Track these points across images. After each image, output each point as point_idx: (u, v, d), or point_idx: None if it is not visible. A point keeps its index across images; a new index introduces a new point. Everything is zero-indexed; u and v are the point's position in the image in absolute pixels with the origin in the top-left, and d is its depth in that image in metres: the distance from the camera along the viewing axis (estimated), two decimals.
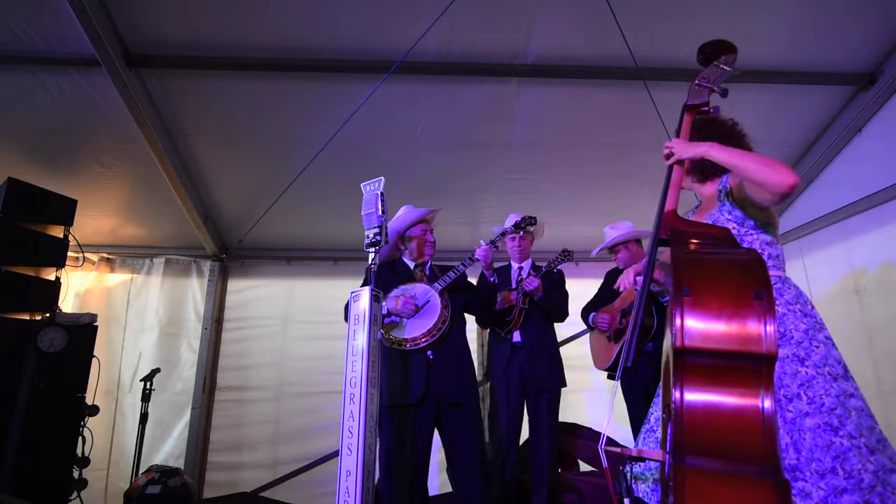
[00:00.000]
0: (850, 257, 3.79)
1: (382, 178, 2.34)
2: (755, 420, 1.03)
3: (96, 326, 3.54)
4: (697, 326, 1.09)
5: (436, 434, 2.67)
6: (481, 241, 2.86)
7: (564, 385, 3.21)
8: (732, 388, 1.07)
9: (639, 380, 3.07)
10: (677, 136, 1.66)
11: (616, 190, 4.26)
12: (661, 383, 1.60)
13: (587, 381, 4.42)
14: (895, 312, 3.42)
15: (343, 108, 3.43)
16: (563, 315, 3.36)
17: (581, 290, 3.56)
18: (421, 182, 4.15)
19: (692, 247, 1.33)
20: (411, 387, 2.57)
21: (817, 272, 4.09)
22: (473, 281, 3.01)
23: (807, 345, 1.51)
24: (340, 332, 2.40)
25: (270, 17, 3.11)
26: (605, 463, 1.22)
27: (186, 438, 4.41)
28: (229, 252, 4.84)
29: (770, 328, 1.05)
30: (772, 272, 1.62)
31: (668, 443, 1.12)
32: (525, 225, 3.10)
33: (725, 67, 1.59)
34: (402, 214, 2.97)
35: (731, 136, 1.74)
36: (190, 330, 4.70)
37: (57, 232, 3.57)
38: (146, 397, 3.91)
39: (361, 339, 2.09)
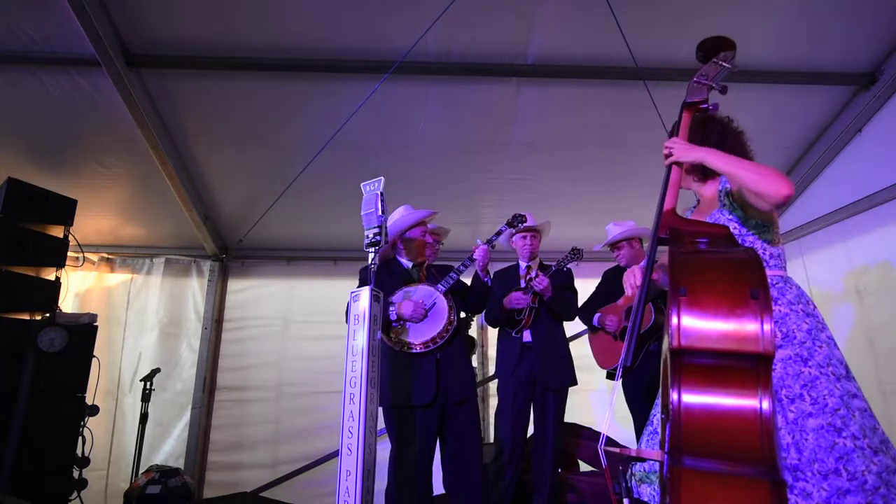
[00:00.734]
0: (850, 257, 3.79)
1: (382, 178, 2.34)
2: (753, 420, 1.03)
3: (96, 326, 3.54)
4: (694, 326, 1.09)
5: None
6: (478, 241, 2.87)
7: (575, 383, 3.19)
8: (730, 388, 1.06)
9: (643, 379, 3.05)
10: (675, 133, 1.65)
11: (616, 190, 4.26)
12: (661, 384, 1.60)
13: (593, 382, 4.43)
14: (895, 312, 3.42)
15: (343, 108, 3.43)
16: (573, 314, 3.34)
17: (581, 289, 3.55)
18: (421, 182, 4.15)
19: (690, 246, 1.33)
20: (421, 388, 2.59)
21: (817, 272, 4.09)
22: (466, 281, 2.97)
23: (809, 345, 1.50)
24: (340, 332, 2.41)
25: (270, 17, 3.11)
26: (604, 463, 1.22)
27: (186, 438, 4.41)
28: (229, 252, 4.84)
29: (767, 327, 1.05)
30: (773, 272, 1.61)
31: (666, 443, 1.12)
32: (516, 223, 3.04)
33: (724, 64, 1.59)
34: (402, 216, 2.96)
35: (728, 134, 1.74)
36: (190, 330, 4.70)
37: (57, 232, 3.57)
38: (146, 397, 3.91)
39: (361, 339, 2.09)
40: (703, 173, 1.81)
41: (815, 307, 1.60)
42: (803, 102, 3.74)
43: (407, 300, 2.68)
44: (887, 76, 3.44)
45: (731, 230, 1.46)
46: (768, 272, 1.47)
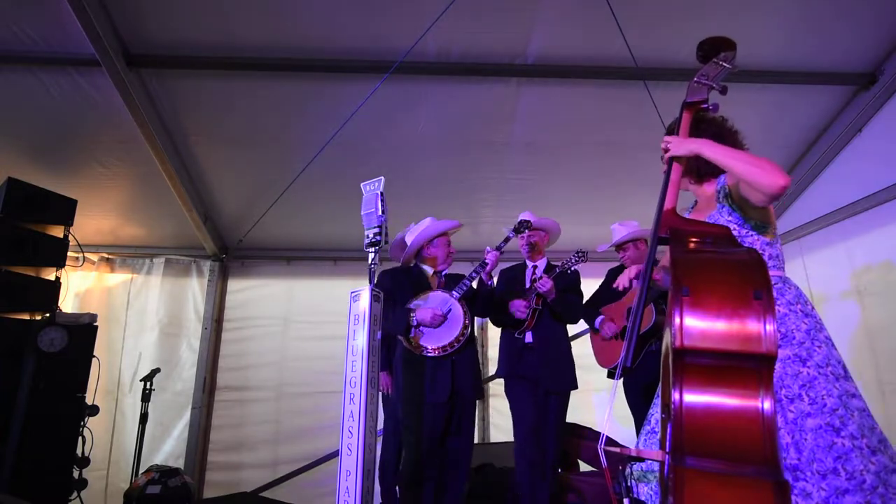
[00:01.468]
0: (850, 257, 3.79)
1: (382, 177, 2.34)
2: (755, 420, 1.03)
3: (96, 326, 3.54)
4: (697, 326, 1.09)
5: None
6: (488, 248, 3.02)
7: (576, 387, 3.14)
8: (732, 389, 1.06)
9: (644, 379, 3.04)
10: (675, 133, 1.65)
11: (616, 190, 4.26)
12: (660, 384, 1.60)
13: (594, 382, 4.43)
14: (895, 312, 3.42)
15: (343, 108, 3.43)
16: (576, 317, 3.31)
17: (586, 289, 3.54)
18: (421, 182, 4.15)
19: (692, 246, 1.33)
20: (438, 387, 2.81)
21: (817, 272, 4.09)
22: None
23: (808, 345, 1.51)
24: (340, 332, 2.41)
25: (270, 17, 3.11)
26: (604, 463, 1.22)
27: (186, 438, 4.41)
28: (229, 252, 4.84)
29: (770, 328, 1.05)
30: (772, 272, 1.61)
31: (667, 443, 1.11)
32: (522, 229, 3.14)
33: (725, 64, 1.59)
34: (428, 226, 3.11)
35: (723, 134, 1.74)
36: (190, 330, 4.70)
37: (57, 232, 3.57)
38: (146, 397, 3.91)
39: (361, 339, 2.09)
40: (699, 174, 1.81)
41: (813, 308, 1.60)
42: (803, 102, 3.74)
43: (425, 307, 2.86)
44: (887, 76, 3.44)
45: (731, 230, 1.46)
46: None
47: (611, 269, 3.55)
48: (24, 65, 3.22)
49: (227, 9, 3.06)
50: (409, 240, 3.16)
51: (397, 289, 2.96)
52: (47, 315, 3.37)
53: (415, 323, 2.84)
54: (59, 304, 3.49)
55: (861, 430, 1.39)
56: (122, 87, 3.18)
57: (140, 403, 3.92)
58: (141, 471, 3.73)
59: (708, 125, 1.74)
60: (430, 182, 4.19)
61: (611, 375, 3.37)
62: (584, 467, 3.59)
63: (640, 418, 3.15)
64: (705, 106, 1.60)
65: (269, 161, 4.00)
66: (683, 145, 1.57)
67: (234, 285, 4.90)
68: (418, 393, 2.81)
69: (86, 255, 4.17)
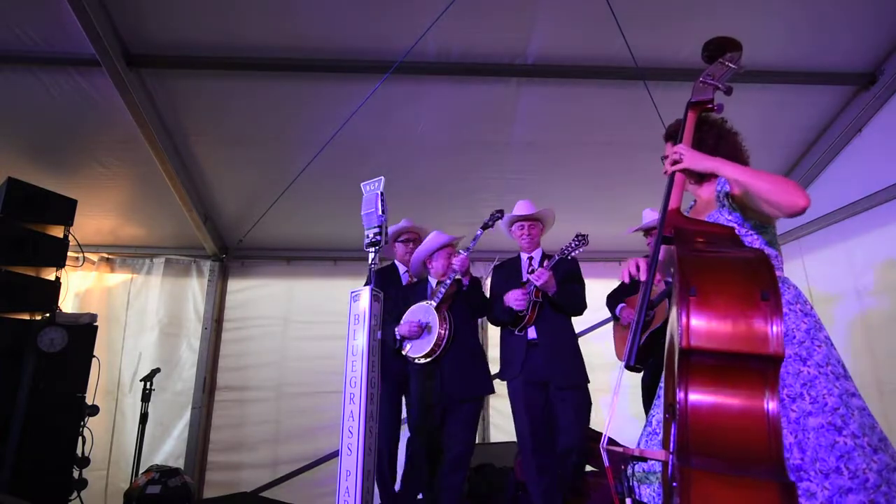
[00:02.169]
0: (850, 257, 3.79)
1: (382, 177, 2.34)
2: (760, 421, 1.03)
3: (96, 326, 3.54)
4: (704, 326, 1.08)
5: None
6: (459, 251, 3.08)
7: (587, 381, 2.97)
8: (738, 389, 1.06)
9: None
10: (678, 139, 1.64)
11: (616, 190, 4.26)
12: (661, 384, 1.60)
13: (600, 382, 4.43)
14: (895, 312, 3.42)
15: (343, 108, 3.43)
16: (580, 309, 3.08)
17: (588, 289, 3.51)
18: (421, 182, 4.15)
19: (697, 245, 1.32)
20: (428, 391, 3.00)
21: (817, 272, 4.09)
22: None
23: (808, 344, 1.51)
24: (340, 332, 2.41)
25: (270, 17, 3.11)
26: (606, 462, 1.21)
27: (186, 438, 4.41)
28: (229, 252, 4.84)
29: (777, 329, 1.05)
30: None
31: (671, 443, 1.11)
32: (492, 222, 3.14)
33: (731, 65, 1.58)
34: (431, 239, 3.25)
35: (723, 136, 1.73)
36: (190, 330, 4.70)
37: (57, 232, 3.57)
38: (146, 397, 3.91)
39: (361, 339, 2.09)
40: (700, 176, 1.80)
41: (812, 307, 1.60)
42: (803, 102, 3.74)
43: (405, 321, 3.08)
44: (887, 76, 3.44)
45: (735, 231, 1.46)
46: None
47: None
48: (24, 65, 3.22)
49: (226, 9, 3.06)
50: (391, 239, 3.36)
51: (413, 301, 3.18)
52: (47, 315, 3.37)
53: (398, 337, 3.07)
54: (59, 304, 3.49)
55: (862, 429, 1.40)
56: (122, 87, 3.18)
57: (140, 403, 3.92)
58: (141, 471, 3.72)
59: (709, 128, 1.74)
60: (430, 182, 4.18)
61: (631, 369, 3.31)
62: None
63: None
64: (710, 106, 1.60)
65: (268, 161, 4.00)
66: (699, 162, 1.54)
67: (234, 285, 4.90)
68: (417, 398, 3.05)
69: (86, 255, 4.16)
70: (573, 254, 2.97)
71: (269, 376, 4.66)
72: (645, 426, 1.71)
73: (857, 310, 3.69)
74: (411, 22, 3.04)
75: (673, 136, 1.81)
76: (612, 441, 1.41)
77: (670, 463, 1.10)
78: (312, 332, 4.71)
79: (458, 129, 3.83)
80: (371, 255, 2.29)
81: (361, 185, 2.38)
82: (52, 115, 3.50)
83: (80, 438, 3.35)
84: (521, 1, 3.07)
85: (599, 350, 4.69)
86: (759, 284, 1.10)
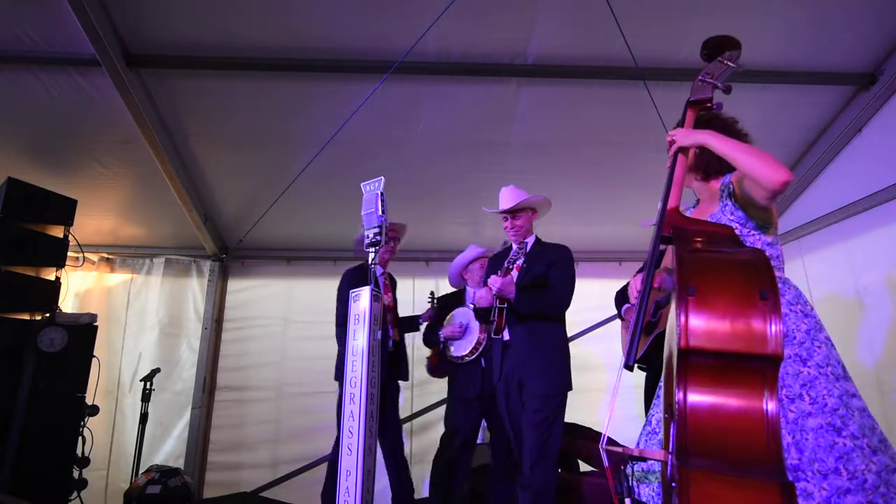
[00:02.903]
0: (850, 257, 3.79)
1: (382, 177, 2.33)
2: (759, 421, 1.03)
3: (96, 326, 3.54)
4: (703, 326, 1.08)
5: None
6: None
7: (569, 388, 2.73)
8: (737, 389, 1.06)
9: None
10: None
11: (616, 190, 4.26)
12: (661, 383, 1.60)
13: (596, 382, 4.43)
14: (895, 312, 3.42)
15: (343, 107, 3.43)
16: (553, 308, 2.74)
17: (581, 289, 3.52)
18: (421, 182, 4.14)
19: (696, 245, 1.32)
20: (472, 386, 3.27)
21: (817, 272, 4.09)
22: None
23: (808, 345, 1.51)
24: None
25: (270, 17, 3.11)
26: (605, 463, 1.21)
27: (186, 438, 4.41)
28: (229, 252, 4.84)
29: (776, 329, 1.05)
30: None
31: (670, 443, 1.11)
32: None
33: (729, 63, 1.58)
34: (466, 252, 3.61)
35: (730, 132, 1.74)
36: (190, 330, 4.70)
37: (57, 232, 3.57)
38: (146, 397, 3.91)
39: (361, 339, 2.08)
40: (707, 171, 1.80)
41: (812, 308, 1.60)
42: (803, 102, 3.74)
43: (446, 325, 3.43)
44: (887, 76, 3.44)
45: (734, 230, 1.46)
46: None
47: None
48: (24, 65, 3.22)
49: (227, 9, 3.06)
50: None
51: (453, 309, 3.51)
52: (47, 315, 3.37)
53: (443, 339, 3.38)
54: (59, 304, 3.49)
55: (862, 430, 1.40)
56: (122, 87, 3.18)
57: (140, 403, 3.92)
58: (141, 471, 3.73)
59: (717, 123, 1.74)
60: (430, 182, 4.18)
61: (628, 368, 3.27)
62: (583, 467, 3.59)
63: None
64: (709, 105, 1.60)
65: (269, 161, 4.00)
66: (690, 136, 1.57)
67: (234, 285, 4.90)
68: (456, 392, 3.36)
69: (86, 255, 4.16)
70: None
71: (269, 376, 4.66)
72: (644, 425, 1.71)
73: (856, 310, 3.69)
74: (411, 22, 3.03)
75: None
76: (611, 441, 1.41)
77: (669, 463, 1.10)
78: (312, 332, 4.70)
79: (458, 129, 3.83)
80: (371, 256, 2.29)
81: (361, 185, 2.37)
82: (52, 115, 3.50)
83: (80, 438, 3.35)
84: (521, 1, 3.06)
85: (598, 351, 4.70)
86: (758, 284, 1.10)
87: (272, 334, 4.78)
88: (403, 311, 3.77)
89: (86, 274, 4.60)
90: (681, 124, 1.66)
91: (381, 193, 2.30)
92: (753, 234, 1.66)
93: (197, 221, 4.31)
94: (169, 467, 3.64)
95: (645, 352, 2.90)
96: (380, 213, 2.26)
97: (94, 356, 3.47)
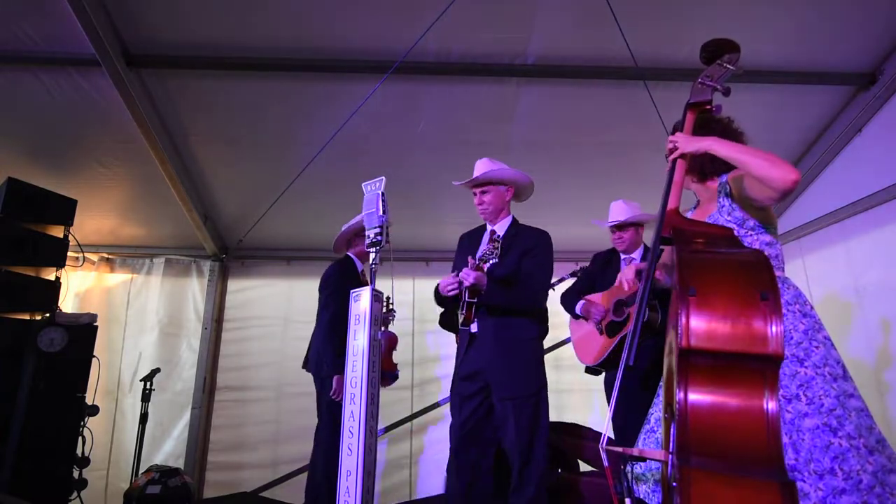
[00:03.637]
0: (850, 257, 3.79)
1: (384, 177, 2.33)
2: (760, 421, 1.03)
3: (96, 326, 3.54)
4: (703, 327, 1.09)
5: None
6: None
7: (540, 385, 2.46)
8: (737, 389, 1.06)
9: (634, 375, 2.88)
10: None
11: (616, 190, 4.24)
12: (661, 383, 1.60)
13: (594, 382, 4.42)
14: (895, 312, 3.42)
15: (343, 108, 3.43)
16: (524, 302, 2.48)
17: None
18: (421, 182, 4.14)
19: (696, 246, 1.33)
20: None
21: (817, 272, 4.09)
22: None
23: (806, 345, 1.51)
24: None
25: (270, 17, 3.11)
26: (605, 463, 1.22)
27: (186, 438, 4.41)
28: (229, 252, 4.84)
29: (776, 329, 1.05)
30: None
31: (671, 443, 1.12)
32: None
33: (728, 66, 1.59)
34: None
35: (728, 133, 1.74)
36: (190, 330, 4.70)
37: (57, 232, 3.57)
38: (146, 397, 3.91)
39: (362, 339, 2.09)
40: (702, 173, 1.81)
41: (812, 308, 1.61)
42: (803, 102, 3.74)
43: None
44: (887, 76, 3.44)
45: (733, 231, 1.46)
46: None
47: (598, 254, 3.32)
48: (24, 65, 3.22)
49: (226, 9, 3.06)
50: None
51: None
52: (47, 315, 3.37)
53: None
54: (59, 304, 3.49)
55: (858, 430, 1.40)
56: (122, 87, 3.18)
57: (140, 403, 3.92)
58: (141, 471, 3.72)
59: (715, 125, 1.74)
60: (429, 182, 4.18)
61: (590, 372, 3.10)
62: (583, 467, 3.59)
63: (615, 415, 2.84)
64: (709, 107, 1.60)
65: (269, 161, 4.00)
66: (693, 143, 1.57)
67: (234, 285, 4.90)
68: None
69: (86, 255, 4.16)
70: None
71: (269, 376, 4.66)
72: (644, 424, 1.71)
73: (856, 310, 3.69)
74: (411, 22, 3.04)
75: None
76: (612, 441, 1.42)
77: (670, 463, 1.10)
78: (312, 331, 4.70)
79: (458, 129, 3.83)
80: (371, 256, 2.29)
81: (362, 185, 2.37)
82: (52, 115, 3.50)
83: (80, 438, 3.35)
84: (521, 1, 3.07)
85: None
86: (759, 285, 1.10)
87: (272, 334, 4.77)
88: (402, 311, 3.77)
89: (86, 274, 4.60)
90: (680, 126, 1.67)
91: (382, 193, 2.29)
92: (752, 234, 1.66)
93: (197, 221, 4.31)
94: (169, 467, 3.64)
95: (608, 355, 2.86)
96: (380, 213, 2.26)
97: (94, 356, 3.47)
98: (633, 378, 2.91)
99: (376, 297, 2.16)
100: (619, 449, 1.25)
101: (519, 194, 2.77)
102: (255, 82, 3.46)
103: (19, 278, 3.32)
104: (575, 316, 3.12)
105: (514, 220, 2.69)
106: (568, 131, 3.86)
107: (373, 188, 2.32)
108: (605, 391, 3.12)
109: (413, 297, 4.78)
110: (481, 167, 2.70)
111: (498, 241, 2.42)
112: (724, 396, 1.07)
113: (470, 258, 2.42)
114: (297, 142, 3.80)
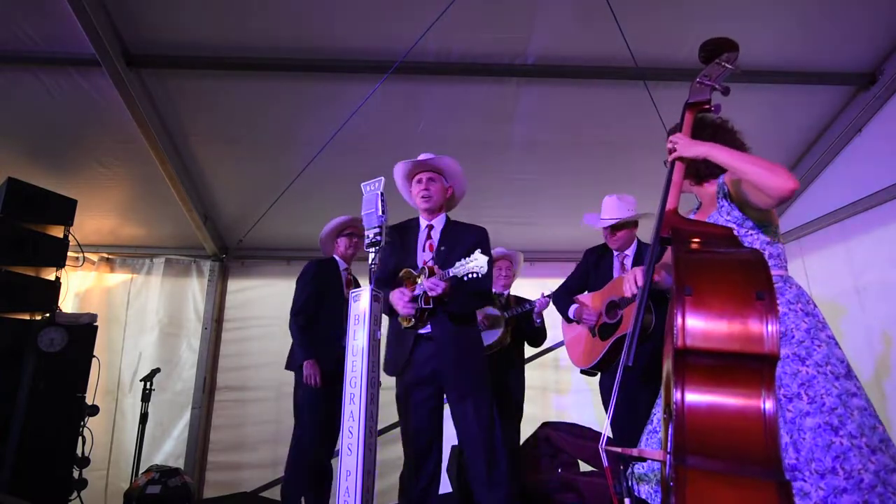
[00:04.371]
0: (850, 257, 3.79)
1: (383, 178, 2.33)
2: (757, 421, 1.03)
3: (96, 326, 3.54)
4: (699, 326, 1.09)
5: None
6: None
7: (488, 383, 2.45)
8: (734, 389, 1.06)
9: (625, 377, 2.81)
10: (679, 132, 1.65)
11: (616, 189, 4.23)
12: (662, 383, 1.60)
13: (593, 382, 4.42)
14: (895, 312, 3.42)
15: (343, 108, 3.43)
16: (482, 302, 2.59)
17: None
18: None
19: (694, 246, 1.33)
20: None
21: (817, 272, 4.09)
22: None
23: (808, 344, 1.50)
24: None
25: (270, 17, 3.11)
26: (605, 462, 1.22)
27: (186, 438, 4.41)
28: (229, 252, 4.84)
29: (772, 328, 1.05)
30: (773, 271, 1.61)
31: (669, 443, 1.12)
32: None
33: (727, 65, 1.59)
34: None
35: (719, 132, 1.74)
36: (190, 330, 4.70)
37: (57, 232, 3.57)
38: (146, 397, 3.91)
39: (361, 339, 2.08)
40: (698, 175, 1.81)
41: (815, 306, 1.60)
42: (803, 102, 3.74)
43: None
44: (887, 76, 3.44)
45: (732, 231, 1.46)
46: None
47: (590, 250, 3.24)
48: (24, 65, 3.22)
49: (226, 9, 3.06)
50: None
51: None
52: (47, 315, 3.37)
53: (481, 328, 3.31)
54: (59, 304, 3.49)
55: (860, 430, 1.39)
56: (122, 87, 3.18)
57: (140, 403, 3.92)
58: (141, 471, 3.72)
59: (705, 125, 1.74)
60: None
61: (584, 373, 3.07)
62: (584, 467, 3.59)
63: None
64: (708, 107, 1.60)
65: (268, 161, 4.00)
66: (692, 148, 1.57)
67: (234, 285, 4.90)
68: None
69: (86, 255, 4.16)
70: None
71: (268, 376, 4.65)
72: (647, 424, 1.71)
73: (857, 310, 3.69)
74: (411, 22, 3.04)
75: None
76: (611, 441, 1.41)
77: (667, 463, 1.10)
78: None
79: (458, 129, 3.83)
80: (371, 256, 2.29)
81: (361, 185, 2.37)
82: (52, 115, 3.51)
83: (80, 438, 3.35)
84: (521, 1, 3.07)
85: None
86: (755, 284, 1.10)
87: (272, 334, 4.77)
88: None
89: (86, 274, 4.60)
90: (679, 126, 1.66)
91: (382, 194, 2.29)
92: (752, 234, 1.66)
93: (197, 221, 4.31)
94: (169, 467, 3.64)
95: (601, 358, 2.84)
96: (380, 213, 2.26)
97: (94, 356, 3.46)
98: (631, 378, 2.92)
99: (375, 297, 2.16)
100: (619, 449, 1.26)
101: (458, 195, 2.75)
102: (255, 82, 3.46)
103: (19, 278, 3.32)
104: (568, 320, 3.10)
105: (448, 219, 2.65)
106: (568, 131, 3.86)
107: (372, 188, 2.31)
108: (601, 393, 3.13)
109: None
110: (425, 155, 2.60)
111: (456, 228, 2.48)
112: (720, 396, 1.07)
113: (437, 268, 2.36)
114: (297, 142, 3.80)
